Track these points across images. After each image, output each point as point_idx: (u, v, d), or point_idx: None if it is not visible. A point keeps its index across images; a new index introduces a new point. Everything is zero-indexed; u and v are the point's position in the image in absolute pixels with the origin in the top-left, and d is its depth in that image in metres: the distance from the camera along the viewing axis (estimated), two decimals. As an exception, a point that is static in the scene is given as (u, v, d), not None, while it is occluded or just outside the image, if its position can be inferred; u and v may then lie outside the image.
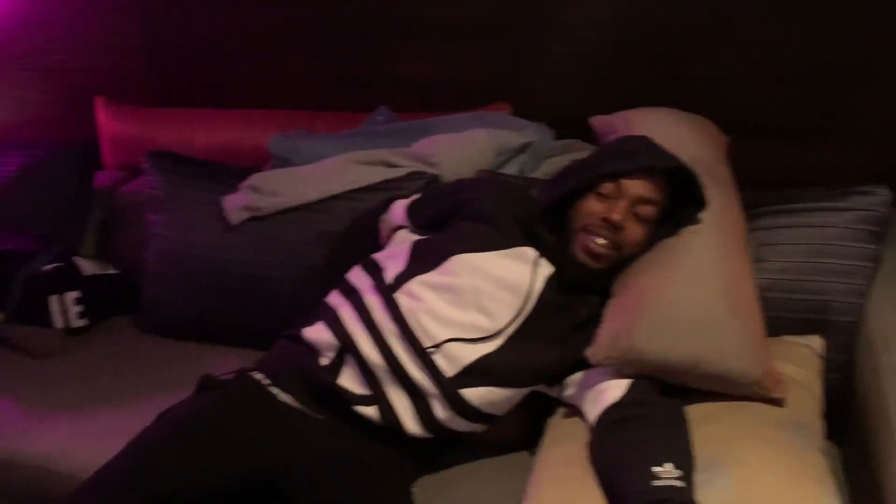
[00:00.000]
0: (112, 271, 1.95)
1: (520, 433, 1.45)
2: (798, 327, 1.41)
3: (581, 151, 1.85)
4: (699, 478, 1.10)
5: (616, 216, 1.29)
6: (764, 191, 1.59)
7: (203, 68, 2.20)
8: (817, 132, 1.78)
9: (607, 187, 1.31)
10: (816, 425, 1.24)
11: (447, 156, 1.76)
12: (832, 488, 1.09)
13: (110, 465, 1.22)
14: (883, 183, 1.45)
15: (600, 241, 1.31)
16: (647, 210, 1.31)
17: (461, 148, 1.78)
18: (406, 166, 1.76)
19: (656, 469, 1.06)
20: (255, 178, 1.77)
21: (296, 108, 2.10)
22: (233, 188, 1.78)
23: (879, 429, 1.19)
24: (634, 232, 1.32)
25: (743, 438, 1.15)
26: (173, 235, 1.78)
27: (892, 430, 1.14)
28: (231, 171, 1.86)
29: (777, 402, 1.21)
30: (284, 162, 1.85)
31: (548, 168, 1.84)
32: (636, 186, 1.30)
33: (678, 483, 1.04)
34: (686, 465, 1.09)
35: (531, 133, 1.85)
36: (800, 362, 1.34)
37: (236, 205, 1.75)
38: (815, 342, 1.39)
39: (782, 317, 1.41)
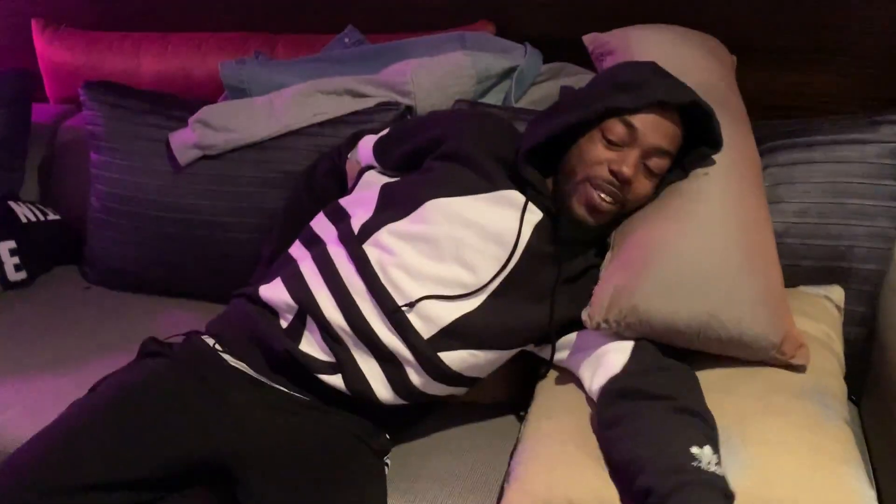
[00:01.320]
0: (53, 217, 1.77)
1: (505, 394, 1.32)
2: (816, 276, 1.26)
3: (573, 76, 1.68)
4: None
5: (627, 170, 1.11)
6: (773, 119, 1.42)
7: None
8: (827, 52, 1.60)
9: (617, 131, 1.12)
10: (839, 389, 1.11)
11: (422, 84, 1.57)
12: (860, 468, 0.96)
13: (26, 449, 1.07)
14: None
15: (605, 195, 1.13)
16: (660, 163, 1.14)
17: (438, 74, 1.59)
18: (375, 96, 1.58)
19: (695, 451, 0.93)
20: (206, 112, 1.58)
21: (253, 30, 1.88)
22: (182, 123, 1.59)
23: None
24: (643, 186, 1.15)
25: (760, 411, 1.01)
26: (117, 177, 1.60)
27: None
28: (180, 102, 1.67)
29: (797, 369, 1.07)
30: (239, 92, 1.65)
31: (535, 95, 1.66)
32: (651, 132, 1.12)
33: (720, 470, 0.92)
34: (715, 443, 0.96)
35: (517, 56, 1.66)
36: (819, 317, 1.20)
37: (185, 142, 1.56)
38: (836, 293, 1.25)
39: (799, 265, 1.26)
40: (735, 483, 0.92)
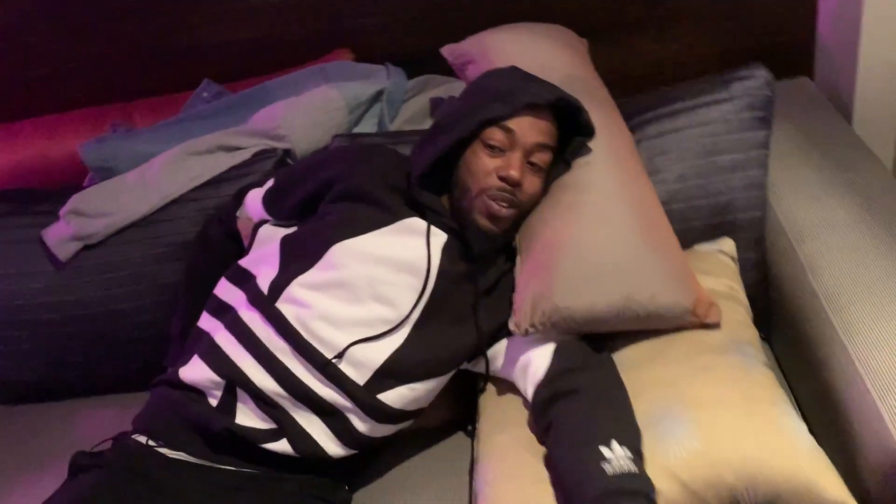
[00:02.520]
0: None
1: (450, 413, 1.33)
2: (707, 234, 1.34)
3: (439, 87, 1.71)
4: (659, 428, 1.02)
5: (514, 173, 1.14)
6: (638, 93, 1.50)
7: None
8: (670, 19, 1.69)
9: (496, 136, 1.16)
10: (753, 336, 1.18)
11: (294, 124, 1.56)
12: (788, 405, 1.04)
13: None
14: (748, 61, 1.39)
15: (502, 202, 1.16)
16: (543, 157, 1.18)
17: (308, 112, 1.58)
18: (250, 146, 1.55)
19: (604, 451, 0.97)
20: (76, 201, 1.50)
21: (106, 102, 1.80)
22: (52, 217, 1.51)
23: (814, 322, 1.15)
24: (532, 183, 1.18)
25: (690, 376, 1.07)
26: (-5, 289, 1.50)
27: (831, 322, 1.09)
28: (44, 195, 1.58)
29: (713, 327, 1.14)
30: (105, 172, 1.58)
31: (408, 113, 1.68)
32: (528, 132, 1.15)
33: (631, 466, 0.95)
34: (630, 437, 1.00)
35: (381, 78, 1.67)
36: (718, 271, 1.27)
37: (61, 237, 1.48)
38: (727, 245, 1.33)
39: (689, 227, 1.33)
40: (690, 448, 0.98)
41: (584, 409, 1.04)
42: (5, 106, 1.86)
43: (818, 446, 0.99)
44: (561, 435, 1.03)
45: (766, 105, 1.35)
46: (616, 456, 0.96)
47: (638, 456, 0.97)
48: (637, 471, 0.95)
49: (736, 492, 0.95)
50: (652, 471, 0.97)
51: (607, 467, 0.95)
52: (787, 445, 0.96)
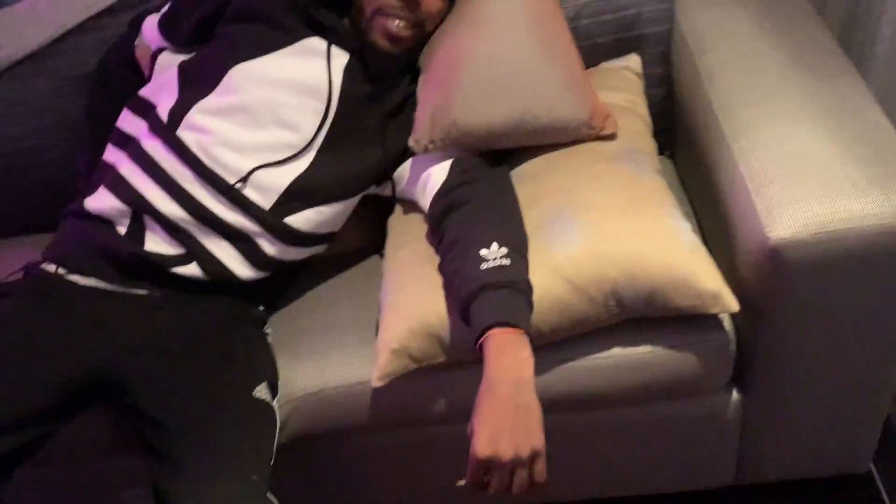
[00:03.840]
0: None
1: (366, 239, 1.36)
2: (613, 51, 1.34)
3: None
4: (551, 231, 1.06)
5: None
6: None
7: None
8: None
9: None
10: (649, 147, 1.22)
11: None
12: (675, 207, 1.08)
13: None
14: None
15: (399, 22, 1.13)
16: None
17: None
18: (147, -29, 1.46)
19: (483, 252, 1.00)
20: (-35, 34, 1.43)
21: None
22: (-59, 53, 1.43)
23: (707, 130, 1.18)
24: (432, 2, 1.15)
25: (583, 183, 1.10)
26: None
27: (721, 128, 1.12)
28: (-68, 31, 1.48)
29: (609, 138, 1.16)
30: (-5, 3, 1.49)
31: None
32: None
33: (505, 261, 0.99)
34: (511, 238, 1.03)
35: None
36: (621, 87, 1.28)
37: (-47, 73, 1.42)
38: (633, 61, 1.33)
39: (596, 43, 1.33)
40: (577, 247, 1.02)
41: (470, 218, 1.07)
42: None
43: (699, 243, 1.05)
44: (449, 243, 1.06)
45: (675, -88, 1.31)
46: (493, 255, 1.00)
47: (517, 253, 1.01)
48: (509, 263, 0.99)
49: (617, 285, 1.00)
50: (542, 271, 1.02)
51: (483, 266, 0.99)
52: (667, 242, 1.01)
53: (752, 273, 1.01)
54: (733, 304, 1.00)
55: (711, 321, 1.07)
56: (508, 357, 0.92)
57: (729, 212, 1.07)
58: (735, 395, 1.15)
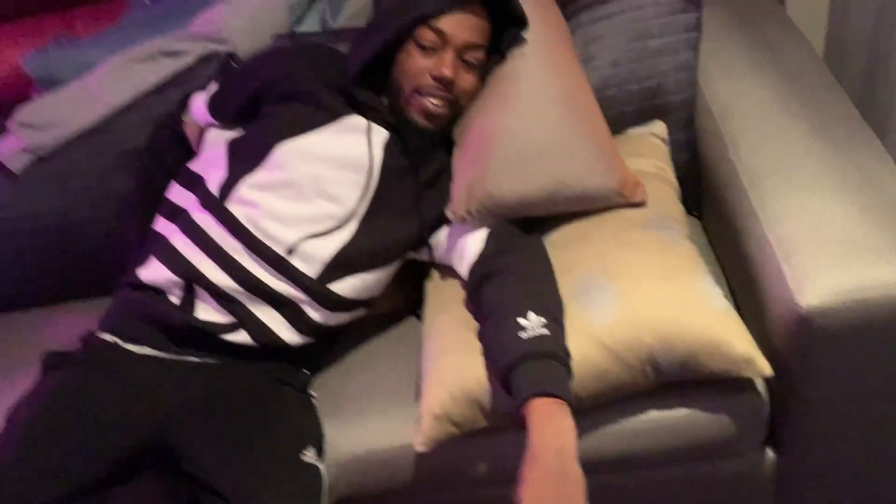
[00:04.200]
0: None
1: (402, 300, 1.41)
2: (640, 117, 1.39)
3: (379, -18, 1.69)
4: (585, 299, 1.10)
5: (447, 72, 1.17)
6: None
7: None
8: None
9: (427, 37, 1.18)
10: (678, 212, 1.26)
11: (236, 26, 1.56)
12: (705, 273, 1.12)
13: None
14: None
15: (435, 101, 1.20)
16: (476, 55, 1.21)
17: (250, 13, 1.58)
18: (192, 51, 1.55)
19: (521, 321, 1.04)
20: (24, 113, 1.52)
21: (39, 13, 1.77)
22: (1, 132, 1.52)
23: (733, 196, 1.22)
24: (467, 81, 1.22)
25: (615, 250, 1.15)
26: (-50, 205, 1.52)
27: (747, 195, 1.17)
28: (-9, 109, 1.58)
29: (639, 205, 1.21)
30: (51, 83, 1.59)
31: (351, 10, 1.67)
32: (459, 31, 1.18)
33: (544, 331, 1.03)
34: (548, 306, 1.07)
35: (321, -25, 1.66)
36: (648, 153, 1.33)
37: (12, 150, 1.50)
38: (658, 127, 1.38)
39: (622, 111, 1.39)
40: (612, 314, 1.06)
41: (508, 286, 1.12)
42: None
43: (731, 308, 1.08)
44: (487, 310, 1.11)
45: (696, -12, 1.38)
46: (532, 324, 1.04)
47: (555, 322, 1.05)
48: (548, 333, 1.03)
49: (654, 352, 1.04)
50: (578, 338, 1.06)
51: (522, 335, 1.03)
52: (700, 308, 1.05)
53: (783, 338, 1.05)
54: (766, 369, 1.03)
55: (745, 384, 1.10)
56: (551, 427, 0.95)
57: (758, 278, 1.11)
58: (770, 454, 1.18)
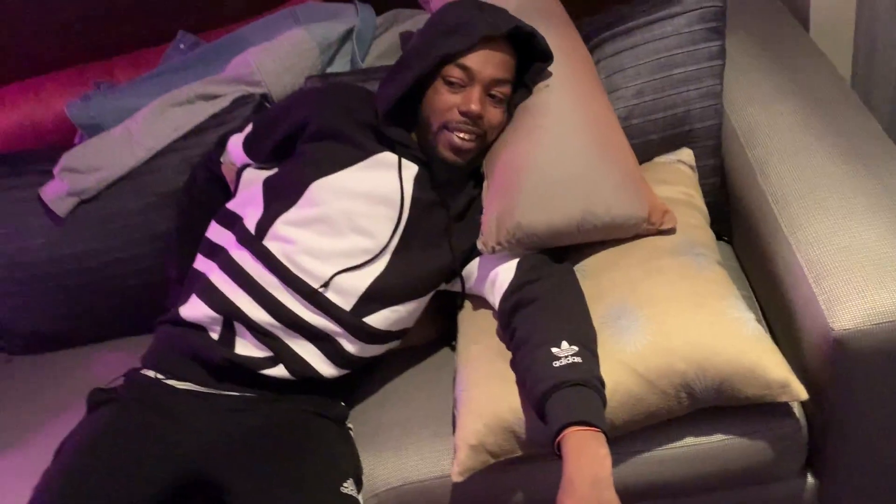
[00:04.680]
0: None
1: (434, 332, 1.43)
2: (666, 145, 1.41)
3: (408, 21, 1.74)
4: (616, 326, 1.11)
5: (475, 107, 1.20)
6: (594, 13, 1.54)
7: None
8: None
9: (454, 73, 1.21)
10: (708, 238, 1.27)
11: (269, 69, 1.61)
12: (737, 298, 1.13)
13: None
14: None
15: (464, 135, 1.23)
16: (502, 89, 1.24)
17: (281, 55, 1.62)
18: (228, 93, 1.61)
19: (554, 349, 1.06)
20: (68, 158, 1.58)
21: (86, 62, 1.84)
22: (47, 176, 1.58)
23: (763, 220, 1.22)
24: (494, 116, 1.25)
25: (646, 277, 1.16)
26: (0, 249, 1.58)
27: (777, 220, 1.17)
28: (38, 155, 1.65)
29: (668, 232, 1.22)
30: (93, 128, 1.65)
31: (378, 49, 1.72)
32: (485, 67, 1.21)
33: (577, 359, 1.04)
34: (580, 335, 1.09)
35: (350, 16, 1.71)
36: (676, 180, 1.35)
37: (58, 194, 1.56)
38: (686, 155, 1.40)
39: (649, 140, 1.40)
40: (645, 341, 1.07)
41: (540, 315, 1.13)
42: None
43: (764, 333, 1.08)
44: (520, 340, 1.12)
45: (718, 16, 1.39)
46: (565, 353, 1.05)
47: (588, 351, 1.06)
48: (580, 361, 1.04)
49: (687, 378, 1.05)
50: (611, 365, 1.07)
51: (556, 363, 1.04)
52: (732, 333, 1.05)
53: (818, 362, 1.05)
54: (802, 393, 1.03)
55: (782, 408, 1.09)
56: (586, 456, 0.96)
57: (790, 301, 1.11)
58: (810, 479, 1.16)
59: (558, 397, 1.01)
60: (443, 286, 1.33)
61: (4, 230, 1.58)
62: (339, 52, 1.70)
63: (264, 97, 1.61)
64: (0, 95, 1.83)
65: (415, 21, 1.74)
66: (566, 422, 0.99)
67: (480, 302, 1.30)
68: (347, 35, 1.69)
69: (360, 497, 1.16)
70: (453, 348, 1.39)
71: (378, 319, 1.25)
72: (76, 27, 1.86)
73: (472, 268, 1.30)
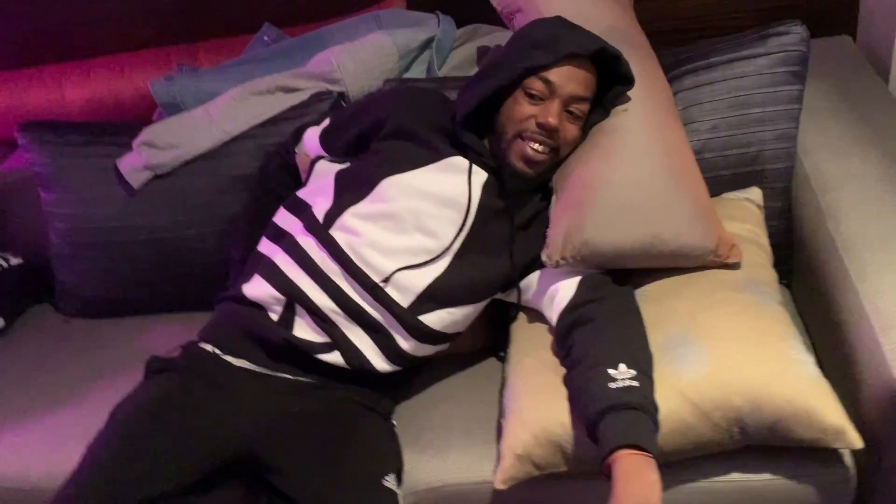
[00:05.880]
0: (16, 261, 1.79)
1: (483, 340, 1.44)
2: (736, 182, 1.41)
3: (486, 36, 1.77)
4: (674, 354, 1.11)
5: (552, 120, 1.22)
6: (675, 45, 1.56)
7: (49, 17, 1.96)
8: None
9: (536, 86, 1.24)
10: (771, 277, 1.27)
11: (349, 69, 1.65)
12: (798, 341, 1.12)
13: (77, 479, 1.14)
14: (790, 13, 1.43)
15: (538, 146, 1.25)
16: (581, 107, 1.26)
17: (362, 57, 1.66)
18: (307, 88, 1.65)
19: (611, 371, 1.06)
20: (148, 133, 1.63)
21: (172, 44, 1.91)
22: (124, 148, 1.63)
23: (830, 267, 1.22)
24: (570, 131, 1.27)
25: (707, 309, 1.16)
26: (73, 213, 1.63)
27: (846, 267, 1.17)
28: (118, 128, 1.69)
29: (733, 267, 1.22)
30: (173, 108, 1.70)
31: (455, 61, 1.75)
32: (567, 83, 1.23)
33: (633, 382, 1.05)
34: (638, 358, 1.09)
35: (431, 26, 1.74)
36: (743, 217, 1.35)
37: (134, 166, 1.61)
38: (755, 194, 1.40)
39: (719, 175, 1.41)
40: (702, 371, 1.07)
41: (598, 335, 1.14)
42: (78, 43, 1.98)
43: (823, 378, 1.08)
44: (576, 358, 1.13)
45: (801, 61, 1.40)
46: (621, 375, 1.06)
47: (644, 375, 1.07)
48: (637, 385, 1.04)
49: (742, 413, 1.04)
50: (666, 392, 1.07)
51: (612, 385, 1.05)
52: (791, 373, 1.05)
53: (877, 412, 1.04)
54: (857, 441, 1.02)
55: (832, 454, 1.08)
56: (637, 481, 0.96)
57: (853, 350, 1.10)
58: (852, 531, 1.15)
59: (613, 419, 1.02)
60: (499, 295, 1.35)
61: (80, 196, 1.62)
62: (417, 59, 1.74)
63: (341, 95, 1.65)
64: (87, 67, 1.90)
65: (493, 37, 1.77)
66: (619, 444, 0.99)
67: (535, 315, 1.31)
68: (427, 44, 1.72)
69: (399, 492, 1.17)
70: (500, 359, 1.40)
71: (433, 319, 1.27)
72: (167, 9, 1.92)
73: (531, 280, 1.31)
